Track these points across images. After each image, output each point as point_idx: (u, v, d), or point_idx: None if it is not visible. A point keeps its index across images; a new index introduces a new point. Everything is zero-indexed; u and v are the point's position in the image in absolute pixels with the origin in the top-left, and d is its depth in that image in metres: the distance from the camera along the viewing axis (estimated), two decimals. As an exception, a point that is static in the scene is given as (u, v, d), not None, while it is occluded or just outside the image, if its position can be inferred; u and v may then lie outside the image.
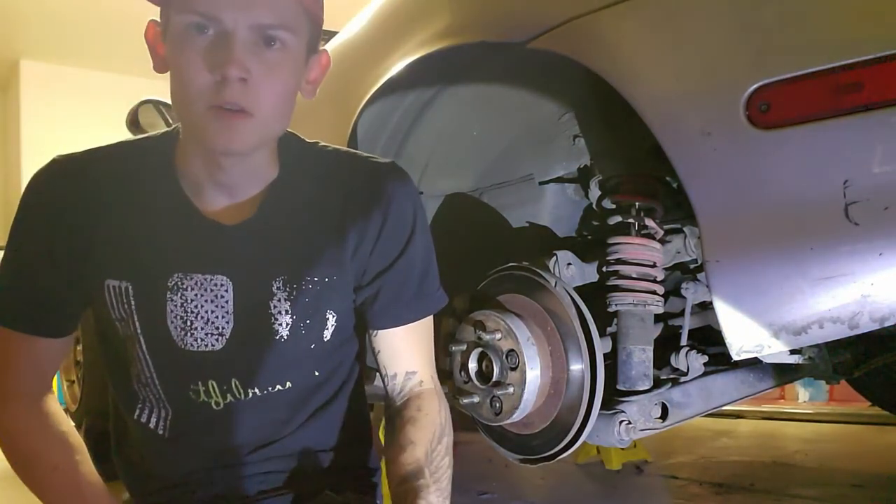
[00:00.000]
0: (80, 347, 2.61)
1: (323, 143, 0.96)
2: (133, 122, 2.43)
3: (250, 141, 0.80)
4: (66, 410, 2.94)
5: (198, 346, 0.86)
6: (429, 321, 0.97)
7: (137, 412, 0.91)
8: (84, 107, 5.81)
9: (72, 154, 0.88)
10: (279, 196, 0.89)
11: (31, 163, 5.62)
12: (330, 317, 0.91)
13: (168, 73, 0.82)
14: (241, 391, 0.89)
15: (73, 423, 0.90)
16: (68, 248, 0.85)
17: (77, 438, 0.88)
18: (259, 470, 0.92)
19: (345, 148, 0.97)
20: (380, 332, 0.95)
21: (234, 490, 0.91)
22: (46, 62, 5.88)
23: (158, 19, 0.83)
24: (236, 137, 0.78)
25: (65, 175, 0.86)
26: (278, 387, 0.90)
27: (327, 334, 0.91)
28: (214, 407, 0.89)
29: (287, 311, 0.88)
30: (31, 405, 0.88)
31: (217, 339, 0.87)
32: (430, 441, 0.88)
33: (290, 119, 0.86)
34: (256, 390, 0.89)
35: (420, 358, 0.96)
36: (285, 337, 0.88)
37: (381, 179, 0.91)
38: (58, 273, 0.86)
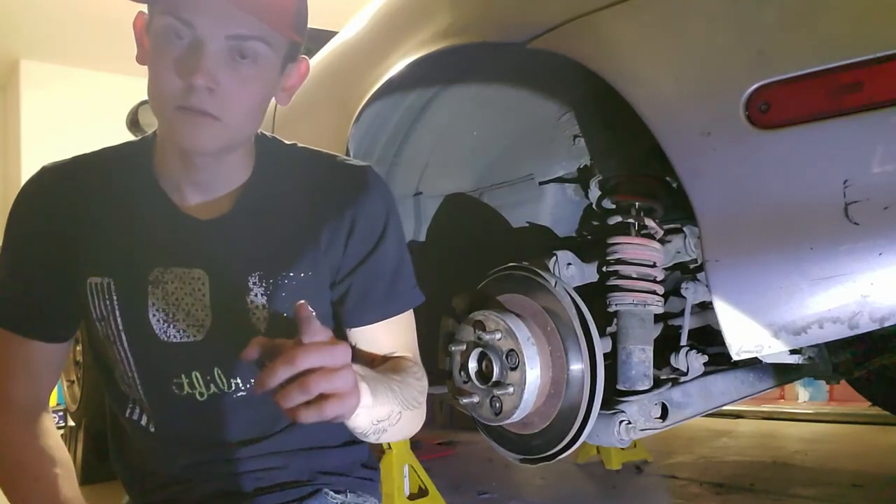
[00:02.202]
0: (79, 347, 2.61)
1: (301, 145, 0.97)
2: (133, 123, 2.44)
3: (217, 142, 0.81)
4: (66, 410, 2.94)
5: (180, 338, 0.88)
6: (408, 317, 0.97)
7: (128, 411, 0.94)
8: (84, 107, 5.80)
9: (58, 162, 0.92)
10: (254, 194, 0.90)
11: (31, 163, 5.59)
12: None
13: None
14: (224, 381, 0.90)
15: (62, 443, 0.91)
16: (56, 251, 0.88)
17: (64, 454, 0.89)
18: (255, 467, 0.92)
19: (322, 150, 0.97)
20: (354, 329, 0.94)
21: (230, 488, 0.92)
22: (46, 62, 5.87)
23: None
24: (202, 138, 0.79)
25: (52, 182, 0.90)
26: None
27: None
28: (199, 398, 0.90)
29: (264, 306, 0.89)
30: (23, 417, 0.89)
31: (198, 331, 0.88)
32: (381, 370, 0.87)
33: (261, 122, 0.87)
34: (239, 381, 0.90)
35: (399, 346, 0.95)
36: (263, 330, 0.88)
37: (354, 180, 0.93)
38: (49, 276, 0.88)
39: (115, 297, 0.87)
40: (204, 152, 0.82)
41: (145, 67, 0.84)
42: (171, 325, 0.87)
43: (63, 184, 0.89)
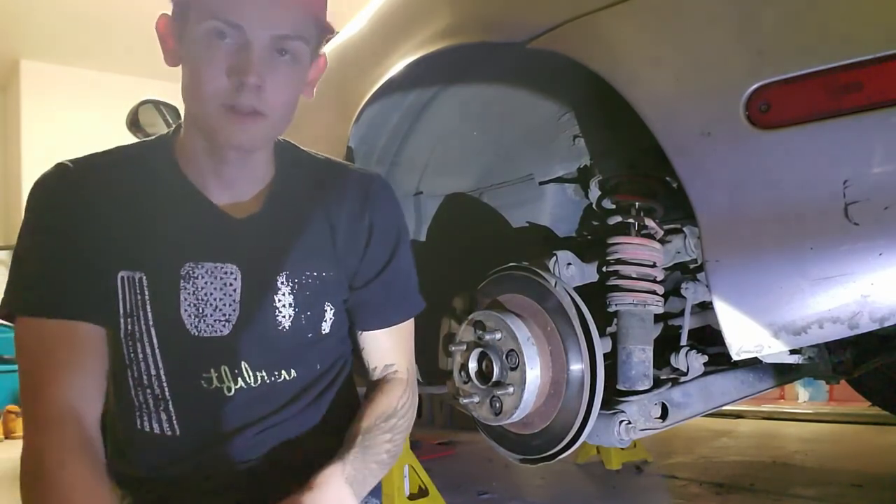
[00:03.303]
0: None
1: (313, 152, 1.03)
2: (133, 123, 2.43)
3: (259, 139, 0.87)
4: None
5: (209, 332, 0.89)
6: (410, 322, 1.05)
7: (138, 422, 0.91)
8: (84, 107, 5.81)
9: (75, 159, 0.91)
10: (281, 195, 0.95)
11: (32, 163, 5.62)
12: (328, 309, 0.96)
13: (177, 73, 0.86)
14: (251, 375, 0.91)
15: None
16: (83, 246, 0.86)
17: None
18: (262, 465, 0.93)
19: (333, 157, 1.03)
20: (365, 332, 1.02)
21: (234, 486, 0.92)
22: (46, 62, 5.88)
23: (170, 13, 0.86)
24: (247, 135, 0.84)
25: (74, 178, 0.88)
26: (284, 374, 0.94)
27: (325, 326, 0.96)
28: (227, 392, 0.90)
29: (290, 304, 0.93)
30: (77, 440, 0.79)
31: (224, 325, 0.90)
32: (377, 417, 0.95)
33: (292, 119, 0.91)
34: (264, 374, 0.92)
35: (400, 354, 1.03)
36: (287, 327, 0.93)
37: (369, 189, 0.99)
38: (80, 265, 0.86)
39: (146, 292, 0.87)
40: (250, 148, 0.87)
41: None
42: (201, 320, 0.89)
43: (87, 180, 0.88)
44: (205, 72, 0.81)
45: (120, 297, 0.88)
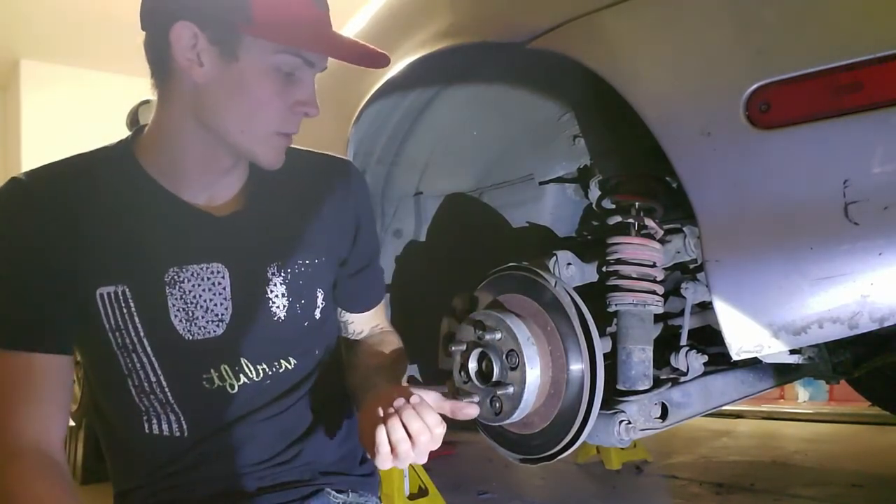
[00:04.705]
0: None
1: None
2: (133, 122, 2.44)
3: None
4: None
5: (203, 335, 0.88)
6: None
7: (146, 426, 0.90)
8: (84, 107, 5.80)
9: (30, 171, 0.87)
10: (261, 189, 0.95)
11: (31, 163, 5.59)
12: (319, 295, 0.97)
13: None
14: (252, 370, 0.91)
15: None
16: (52, 266, 0.83)
17: None
18: (262, 469, 0.93)
19: (303, 147, 1.02)
20: (354, 314, 1.08)
21: (234, 488, 0.92)
22: (46, 62, 5.88)
23: (192, 24, 0.79)
24: (283, 155, 0.89)
25: (28, 194, 0.84)
26: (285, 364, 0.94)
27: (318, 312, 0.97)
28: (230, 390, 0.90)
29: (283, 294, 0.93)
30: (38, 467, 0.79)
31: (218, 325, 0.89)
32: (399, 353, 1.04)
33: None
34: (265, 366, 0.92)
35: (380, 317, 1.12)
36: (283, 318, 0.93)
37: (349, 174, 1.02)
38: (43, 288, 0.83)
39: (132, 304, 0.85)
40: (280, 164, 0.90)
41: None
42: (193, 324, 0.88)
43: (45, 195, 0.84)
44: (265, 100, 0.83)
45: (102, 313, 0.85)
